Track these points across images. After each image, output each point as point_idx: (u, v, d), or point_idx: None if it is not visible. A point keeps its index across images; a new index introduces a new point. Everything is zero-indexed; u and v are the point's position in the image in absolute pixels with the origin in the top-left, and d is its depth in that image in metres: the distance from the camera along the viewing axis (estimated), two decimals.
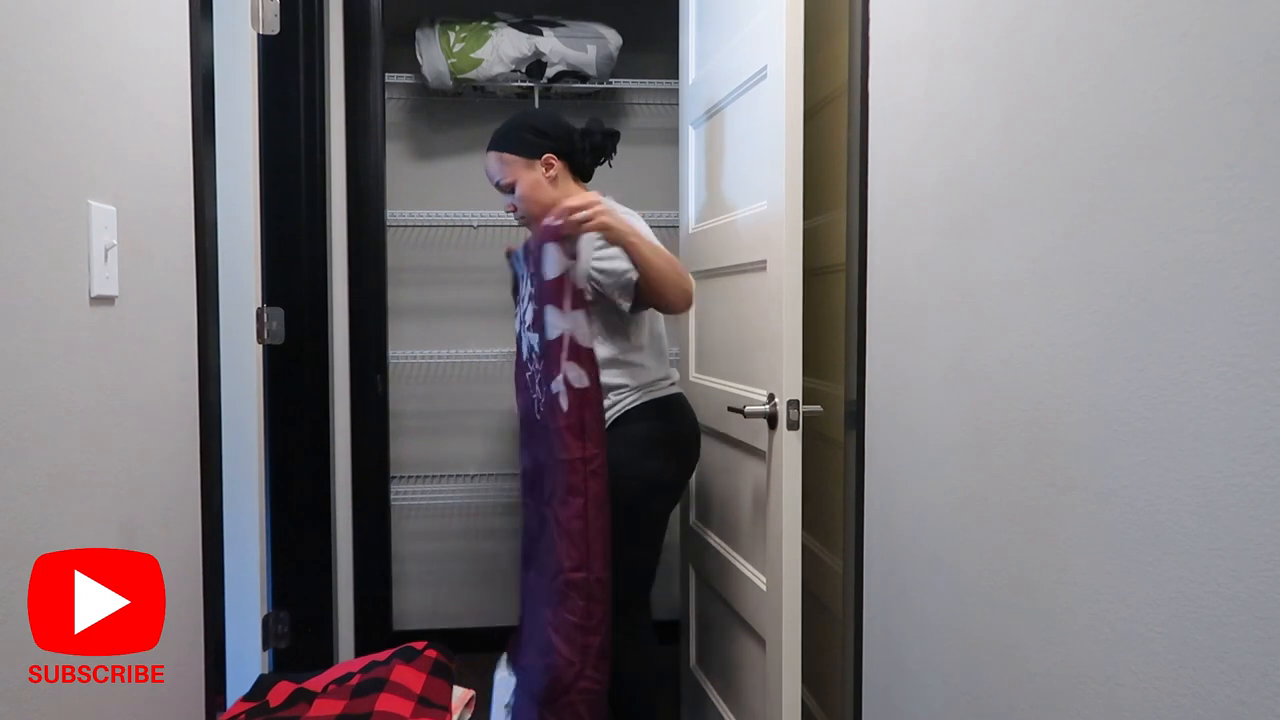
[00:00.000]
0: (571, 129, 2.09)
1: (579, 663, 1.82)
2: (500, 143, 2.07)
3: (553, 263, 1.78)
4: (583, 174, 2.13)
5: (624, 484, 1.98)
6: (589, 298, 1.83)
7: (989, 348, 1.18)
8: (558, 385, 1.80)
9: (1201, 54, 0.80)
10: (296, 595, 2.27)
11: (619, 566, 2.03)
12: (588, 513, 1.81)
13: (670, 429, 2.04)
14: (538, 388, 1.89)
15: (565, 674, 1.81)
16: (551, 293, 1.79)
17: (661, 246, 1.92)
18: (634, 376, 2.01)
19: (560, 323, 1.79)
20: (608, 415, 1.98)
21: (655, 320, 2.07)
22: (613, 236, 1.85)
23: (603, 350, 1.98)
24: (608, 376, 1.98)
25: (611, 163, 2.16)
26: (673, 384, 2.09)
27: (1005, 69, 1.12)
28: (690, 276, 1.93)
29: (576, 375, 1.80)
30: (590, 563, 1.81)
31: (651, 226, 2.87)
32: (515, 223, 2.19)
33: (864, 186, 1.59)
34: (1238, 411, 0.76)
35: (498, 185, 2.09)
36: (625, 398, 2.00)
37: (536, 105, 2.91)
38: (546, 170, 2.05)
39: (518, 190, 2.06)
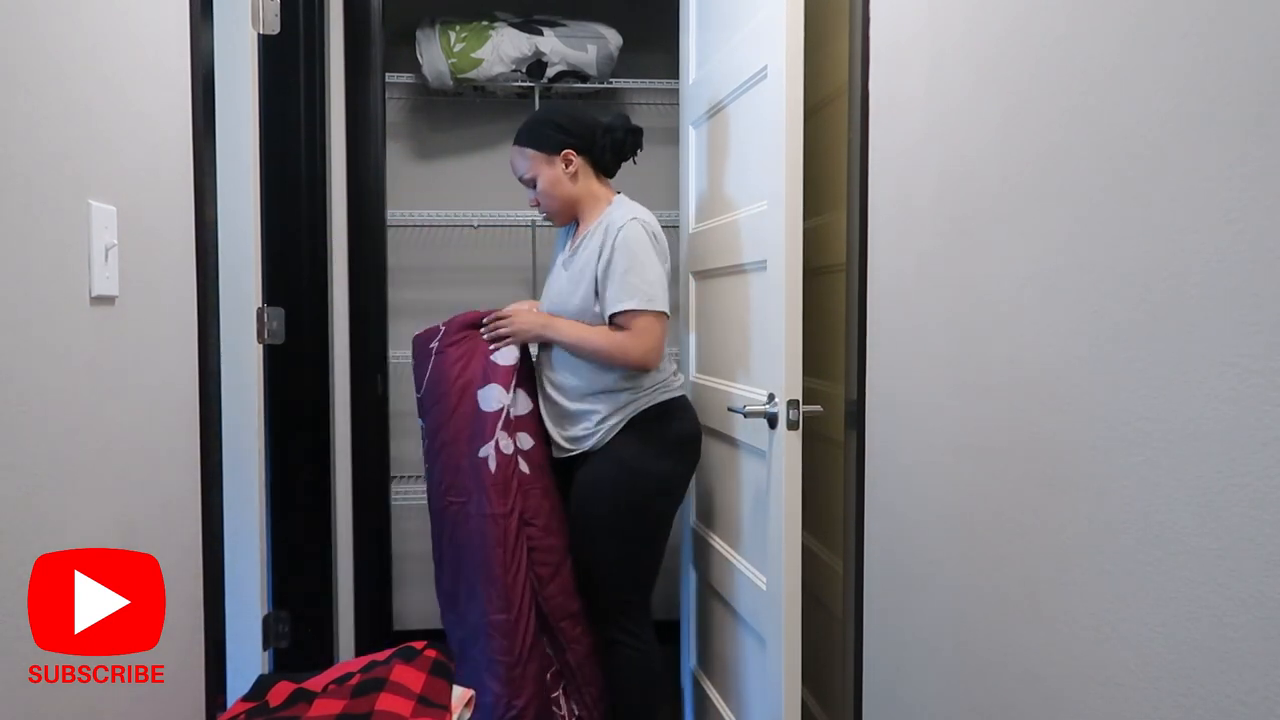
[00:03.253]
0: (594, 125, 2.09)
1: (507, 694, 1.99)
2: (523, 137, 2.10)
3: (506, 354, 2.06)
4: (605, 171, 2.13)
5: (636, 484, 2.00)
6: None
7: (989, 347, 1.18)
8: (487, 450, 2.01)
9: (1202, 54, 0.79)
10: (296, 595, 2.26)
11: (623, 567, 2.04)
12: (508, 560, 1.99)
13: (680, 429, 2.07)
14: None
15: (497, 707, 1.98)
16: (503, 374, 2.05)
17: (593, 336, 2.00)
18: (643, 379, 2.02)
19: (502, 398, 2.03)
20: (618, 417, 2.00)
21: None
22: (524, 339, 2.08)
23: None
24: (618, 381, 2.00)
25: (635, 160, 2.16)
26: (680, 384, 2.10)
27: (1006, 69, 1.12)
28: (631, 351, 1.95)
29: (506, 443, 2.02)
30: (510, 604, 1.99)
31: None
32: (537, 218, 2.20)
33: (864, 186, 1.59)
34: (1238, 411, 0.76)
35: (521, 179, 2.12)
36: (637, 399, 2.01)
37: (537, 105, 2.91)
38: (566, 166, 2.06)
39: (539, 185, 2.08)
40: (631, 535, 2.03)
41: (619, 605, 2.07)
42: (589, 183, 2.09)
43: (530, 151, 2.07)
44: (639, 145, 2.13)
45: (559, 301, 2.07)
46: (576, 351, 2.01)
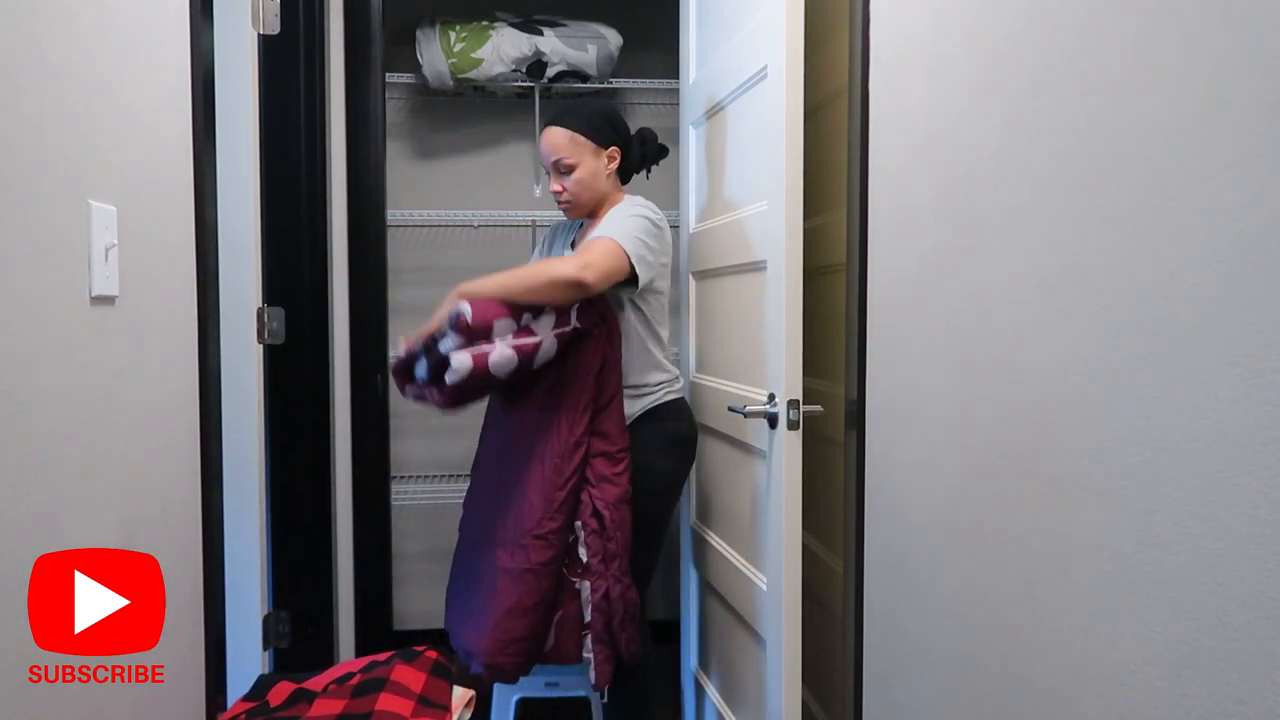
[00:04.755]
0: (632, 132, 2.12)
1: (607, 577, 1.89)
2: (574, 121, 2.03)
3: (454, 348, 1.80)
4: (626, 177, 2.15)
5: (640, 482, 2.01)
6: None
7: (989, 347, 1.18)
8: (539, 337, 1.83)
9: (1206, 56, 0.79)
10: (296, 595, 2.27)
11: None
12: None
13: (680, 429, 2.09)
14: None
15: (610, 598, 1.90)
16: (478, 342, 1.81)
17: (518, 274, 1.83)
18: (650, 377, 2.03)
19: (506, 330, 1.82)
20: (631, 413, 2.02)
21: (661, 323, 2.08)
22: (472, 298, 1.79)
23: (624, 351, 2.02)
24: (627, 377, 2.01)
25: (649, 173, 2.18)
26: (681, 385, 2.12)
27: (1007, 69, 1.12)
28: (569, 261, 1.81)
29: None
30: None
31: None
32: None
33: (864, 187, 1.59)
34: (1238, 411, 0.76)
35: (557, 163, 2.03)
36: (645, 397, 2.03)
37: (537, 106, 2.91)
38: (609, 163, 2.06)
39: (578, 174, 2.03)
40: (633, 536, 2.04)
41: None
42: (615, 184, 2.11)
43: (581, 138, 2.02)
44: (658, 160, 2.16)
45: None
46: (510, 295, 1.80)
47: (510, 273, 1.85)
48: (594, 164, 2.04)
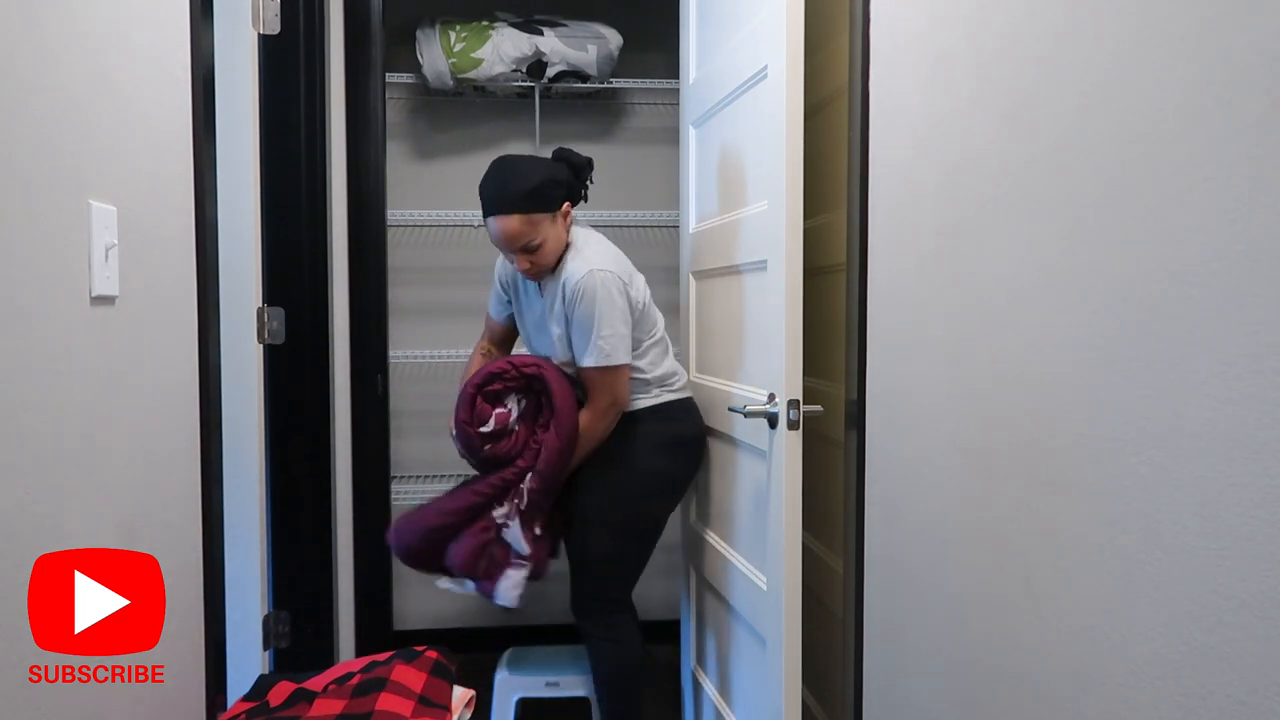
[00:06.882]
0: (567, 169, 2.03)
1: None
2: (524, 204, 1.93)
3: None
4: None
5: (631, 479, 2.02)
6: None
7: (989, 347, 1.18)
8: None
9: (1203, 53, 0.79)
10: (296, 595, 2.27)
11: (610, 561, 2.06)
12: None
13: (679, 430, 2.09)
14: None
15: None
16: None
17: (584, 439, 2.00)
18: (642, 374, 2.03)
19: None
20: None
21: (657, 321, 2.08)
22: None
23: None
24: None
25: (586, 195, 2.12)
26: (682, 384, 2.11)
27: (1006, 69, 1.12)
28: (608, 411, 2.00)
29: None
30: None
31: (652, 227, 2.85)
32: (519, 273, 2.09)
33: (864, 186, 1.59)
34: (1238, 411, 0.76)
35: (525, 249, 1.95)
36: (636, 397, 2.03)
37: (538, 106, 2.91)
38: (565, 219, 2.01)
39: (546, 246, 1.96)
40: (622, 530, 2.05)
41: (600, 598, 2.08)
42: (566, 225, 2.04)
43: (537, 216, 1.94)
44: (592, 173, 2.11)
45: (553, 343, 2.05)
46: (592, 446, 2.02)
47: (582, 440, 2.01)
48: (555, 230, 1.97)
